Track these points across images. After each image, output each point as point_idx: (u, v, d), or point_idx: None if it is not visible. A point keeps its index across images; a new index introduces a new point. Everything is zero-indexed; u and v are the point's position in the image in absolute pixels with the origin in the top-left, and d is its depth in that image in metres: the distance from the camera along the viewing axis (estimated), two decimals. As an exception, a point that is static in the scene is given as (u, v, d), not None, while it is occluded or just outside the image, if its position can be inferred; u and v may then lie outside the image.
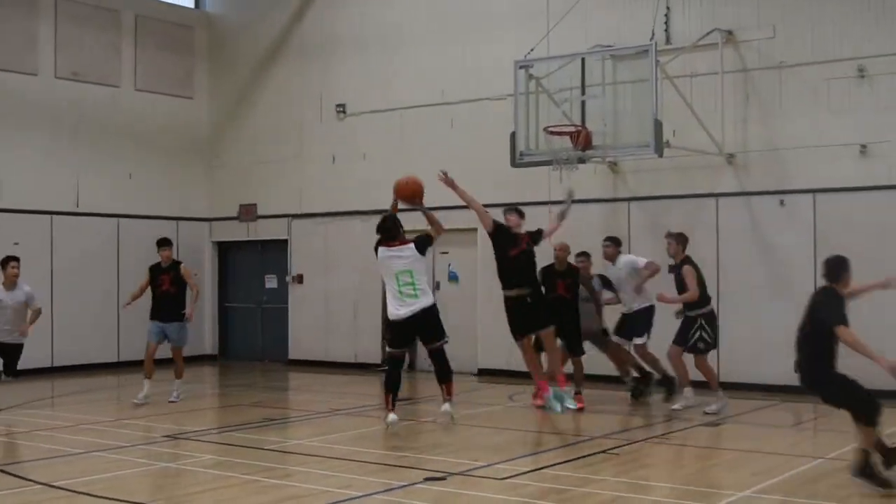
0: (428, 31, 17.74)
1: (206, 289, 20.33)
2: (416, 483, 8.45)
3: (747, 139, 14.82)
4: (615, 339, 13.63)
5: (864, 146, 13.90)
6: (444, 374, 10.71)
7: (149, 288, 14.04)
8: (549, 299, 12.76)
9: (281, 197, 19.41)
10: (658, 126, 13.35)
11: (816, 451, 10.01)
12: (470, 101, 17.05)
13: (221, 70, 20.51)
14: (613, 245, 13.86)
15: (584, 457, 9.74)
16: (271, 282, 19.89)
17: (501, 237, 12.62)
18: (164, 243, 14.21)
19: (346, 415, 12.70)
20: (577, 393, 12.74)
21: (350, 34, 18.65)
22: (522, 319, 12.53)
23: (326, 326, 18.82)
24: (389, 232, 10.84)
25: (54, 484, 8.53)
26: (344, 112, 18.73)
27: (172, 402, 13.61)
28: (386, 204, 17.86)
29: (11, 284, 12.90)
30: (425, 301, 10.52)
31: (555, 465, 9.31)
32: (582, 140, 13.92)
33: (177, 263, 14.16)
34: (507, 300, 12.62)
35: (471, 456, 9.93)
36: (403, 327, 10.60)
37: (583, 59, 14.81)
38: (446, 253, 17.52)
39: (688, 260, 12.81)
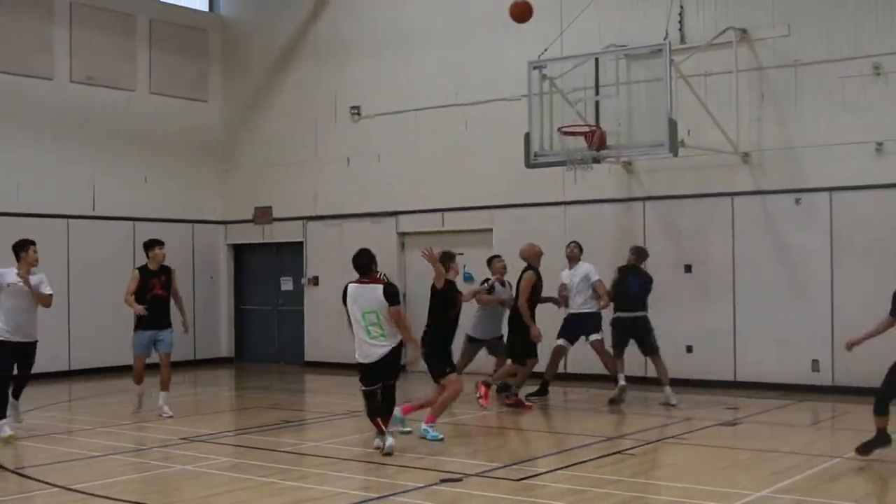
0: (442, 32, 17.74)
1: (221, 292, 20.42)
2: (432, 484, 8.45)
3: (762, 138, 14.77)
4: (560, 341, 13.70)
5: (879, 144, 13.84)
6: (388, 408, 10.16)
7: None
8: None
9: (296, 199, 19.45)
10: (673, 125, 13.33)
11: (834, 451, 9.96)
12: (484, 101, 17.04)
13: (235, 73, 20.56)
14: (579, 249, 13.93)
15: (600, 457, 9.73)
16: (287, 284, 19.92)
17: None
18: (156, 244, 13.18)
19: (362, 416, 12.70)
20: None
21: (364, 36, 18.67)
22: None
23: (342, 328, 18.72)
24: (362, 268, 10.21)
25: (72, 487, 8.56)
26: (358, 114, 18.75)
27: (170, 417, 12.55)
28: (402, 205, 18.00)
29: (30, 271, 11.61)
30: (393, 342, 9.95)
31: (571, 465, 9.30)
32: (596, 140, 13.94)
33: (168, 267, 13.18)
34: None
35: (487, 457, 9.94)
36: (375, 368, 10.02)
37: (596, 59, 14.87)
38: (461, 254, 17.49)
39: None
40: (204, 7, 20.81)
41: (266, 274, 20.31)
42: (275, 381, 17.68)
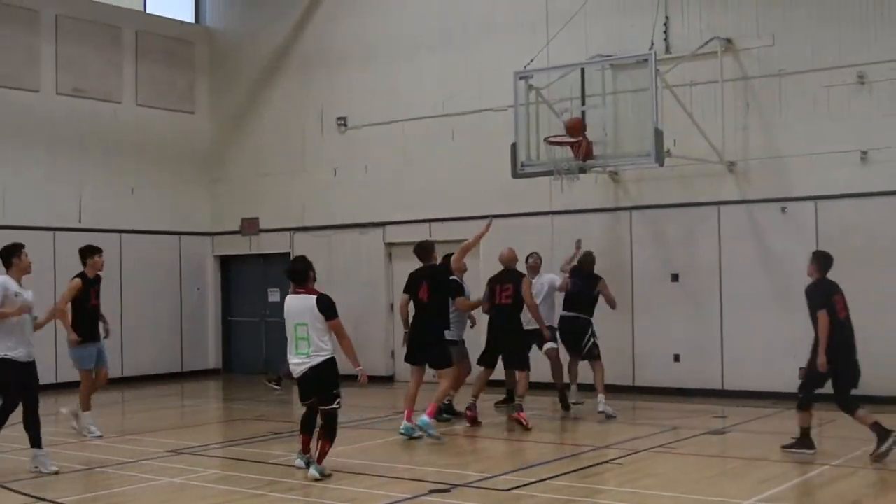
0: (428, 42, 17.76)
1: (209, 303, 20.38)
2: (420, 495, 8.44)
3: (748, 147, 14.82)
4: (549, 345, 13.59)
5: (864, 153, 13.90)
6: (327, 433, 9.42)
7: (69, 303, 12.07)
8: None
9: (283, 210, 19.44)
10: (659, 135, 13.35)
11: (822, 459, 9.99)
12: (471, 112, 17.07)
13: (222, 84, 20.56)
14: (540, 259, 13.99)
15: (588, 467, 9.73)
16: (274, 295, 19.85)
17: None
18: (95, 251, 12.43)
19: (351, 427, 12.69)
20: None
21: (351, 47, 18.69)
22: None
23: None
24: (298, 275, 9.73)
25: (58, 501, 8.53)
26: (345, 125, 18.76)
27: (98, 437, 11.99)
28: (389, 216, 17.98)
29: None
30: (315, 360, 9.35)
31: (559, 475, 9.30)
32: (583, 150, 13.94)
33: (100, 275, 12.51)
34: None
35: (476, 468, 9.94)
36: (301, 384, 9.58)
37: (582, 70, 14.89)
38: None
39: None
40: (190, 19, 20.81)
41: (253, 285, 20.28)
42: (262, 392, 17.62)
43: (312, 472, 9.24)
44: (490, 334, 12.80)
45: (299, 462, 9.66)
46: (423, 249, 12.22)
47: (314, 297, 9.52)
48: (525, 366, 12.50)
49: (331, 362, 9.44)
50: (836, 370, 9.94)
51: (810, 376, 10.12)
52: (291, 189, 19.36)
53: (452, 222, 17.09)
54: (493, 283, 12.75)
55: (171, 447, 11.23)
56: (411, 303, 12.10)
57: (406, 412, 11.58)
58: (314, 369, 9.36)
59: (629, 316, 15.47)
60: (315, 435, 9.55)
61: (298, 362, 9.40)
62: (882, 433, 9.66)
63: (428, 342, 11.66)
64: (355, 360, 9.63)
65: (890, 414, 12.10)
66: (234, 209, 20.13)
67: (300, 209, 19.26)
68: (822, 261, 10.38)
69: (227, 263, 20.72)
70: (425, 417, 11.31)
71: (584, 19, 15.35)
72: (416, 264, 12.29)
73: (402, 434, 11.42)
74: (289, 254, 19.34)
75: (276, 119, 19.67)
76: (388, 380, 17.93)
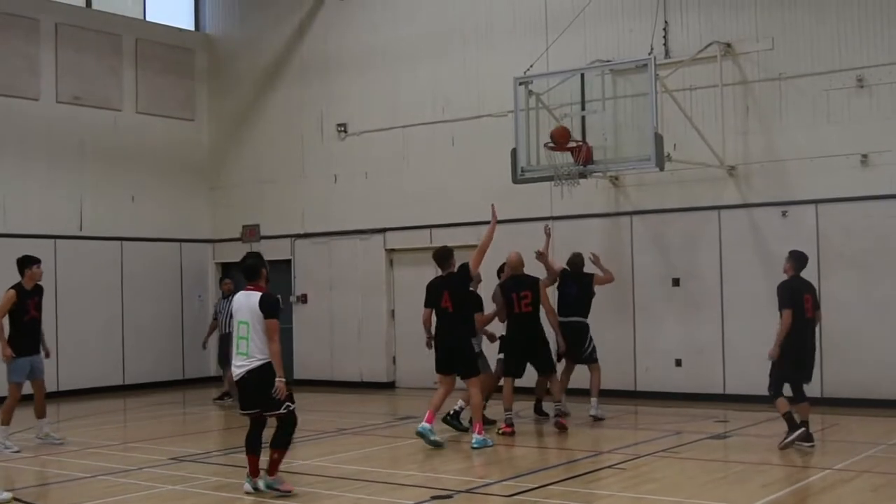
0: (428, 48, 17.78)
1: (209, 311, 20.35)
2: (423, 501, 8.43)
3: (748, 151, 14.82)
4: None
5: (864, 156, 13.89)
6: (277, 440, 8.89)
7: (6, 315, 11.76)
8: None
9: (283, 217, 19.44)
10: (658, 140, 13.34)
11: (824, 463, 9.97)
12: (471, 118, 17.09)
13: (222, 91, 20.57)
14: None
15: (590, 472, 9.72)
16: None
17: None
18: (33, 261, 12.02)
19: (352, 434, 12.69)
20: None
21: (350, 53, 18.70)
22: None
23: (331, 346, 18.81)
24: (248, 270, 9.10)
25: (61, 509, 8.52)
26: (345, 131, 18.76)
27: (57, 444, 12.00)
28: (389, 222, 17.96)
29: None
30: (256, 361, 8.74)
31: (561, 481, 9.28)
32: (583, 155, 13.94)
33: (41, 286, 12.12)
34: None
35: (478, 473, 9.93)
36: (240, 388, 9.05)
37: (582, 75, 14.94)
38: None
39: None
40: (190, 26, 20.82)
41: (254, 292, 20.21)
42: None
43: (260, 484, 8.81)
44: (515, 344, 12.64)
45: (247, 486, 8.93)
46: (443, 256, 11.85)
47: (258, 293, 8.86)
48: (555, 368, 12.81)
49: (265, 367, 8.75)
50: (792, 361, 10.63)
51: (772, 369, 10.69)
52: (291, 195, 19.36)
53: (453, 228, 17.09)
54: (509, 290, 12.63)
55: (172, 454, 11.21)
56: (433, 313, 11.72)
57: (428, 414, 11.29)
58: (252, 372, 8.75)
59: (630, 321, 15.46)
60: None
61: (238, 364, 8.83)
62: (792, 425, 10.42)
63: (455, 349, 11.52)
64: (279, 369, 8.75)
65: (891, 418, 12.12)
66: (235, 216, 20.13)
67: (300, 216, 19.27)
68: (797, 260, 11.01)
69: (227, 271, 20.70)
70: (426, 424, 11.21)
71: (584, 24, 15.38)
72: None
73: (418, 434, 11.22)
74: (290, 261, 19.39)
75: (276, 126, 19.68)
76: (388, 386, 17.92)
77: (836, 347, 13.59)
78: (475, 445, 11.13)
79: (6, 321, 11.77)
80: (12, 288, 11.83)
